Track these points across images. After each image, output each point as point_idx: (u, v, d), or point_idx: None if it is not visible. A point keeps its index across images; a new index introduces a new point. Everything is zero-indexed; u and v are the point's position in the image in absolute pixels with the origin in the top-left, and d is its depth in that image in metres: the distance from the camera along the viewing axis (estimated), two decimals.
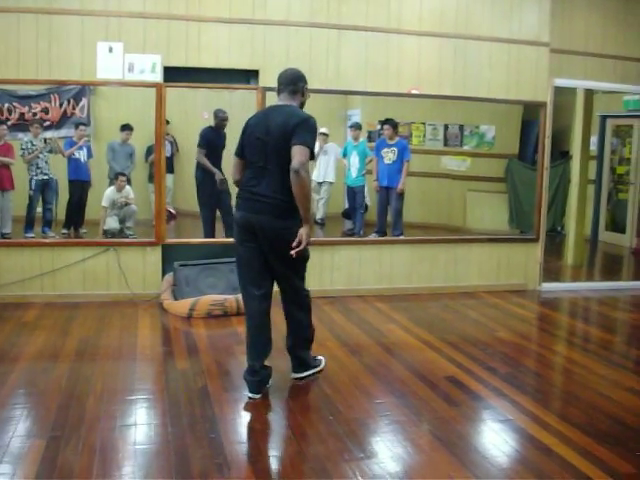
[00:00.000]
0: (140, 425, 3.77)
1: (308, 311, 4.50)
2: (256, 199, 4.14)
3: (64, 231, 7.91)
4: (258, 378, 4.25)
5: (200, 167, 7.48)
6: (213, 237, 7.44)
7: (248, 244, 4.25)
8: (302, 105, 4.36)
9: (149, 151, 8.21)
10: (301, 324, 4.48)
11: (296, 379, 4.54)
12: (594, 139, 10.19)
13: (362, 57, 7.04)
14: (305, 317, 4.48)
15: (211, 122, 7.49)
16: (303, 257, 4.28)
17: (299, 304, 4.44)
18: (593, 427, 3.89)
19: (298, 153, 3.97)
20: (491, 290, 7.50)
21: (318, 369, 4.66)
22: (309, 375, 4.57)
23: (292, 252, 4.03)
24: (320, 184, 9.26)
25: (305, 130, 4.06)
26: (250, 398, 4.21)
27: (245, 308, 4.39)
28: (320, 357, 4.75)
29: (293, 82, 4.31)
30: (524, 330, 6.20)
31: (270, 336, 4.36)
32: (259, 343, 4.30)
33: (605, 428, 3.89)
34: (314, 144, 4.16)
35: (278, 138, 4.07)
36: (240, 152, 4.31)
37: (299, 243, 4.05)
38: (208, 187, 7.48)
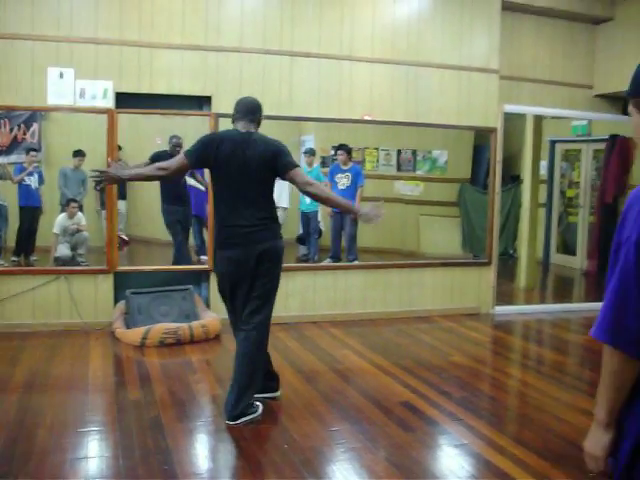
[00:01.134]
0: (91, 458, 3.69)
1: (266, 345, 4.42)
2: (242, 233, 4.21)
3: (14, 258, 7.76)
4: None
5: (163, 197, 7.53)
6: (189, 263, 7.52)
7: (233, 282, 4.32)
8: None
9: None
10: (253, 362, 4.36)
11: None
12: (544, 163, 10.38)
13: (315, 83, 7.08)
14: (259, 353, 4.38)
15: (165, 147, 7.46)
16: (277, 281, 4.35)
17: (260, 334, 4.34)
18: (548, 450, 3.92)
19: (298, 175, 4.23)
20: (445, 314, 7.54)
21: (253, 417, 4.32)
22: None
23: (377, 220, 4.19)
24: None
25: (288, 155, 4.26)
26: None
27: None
28: (258, 403, 4.42)
29: (252, 111, 4.36)
30: (478, 354, 6.24)
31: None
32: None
33: (560, 451, 3.92)
34: None
35: (258, 167, 4.19)
36: (195, 160, 4.25)
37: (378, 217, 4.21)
38: (172, 213, 7.54)
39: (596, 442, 1.78)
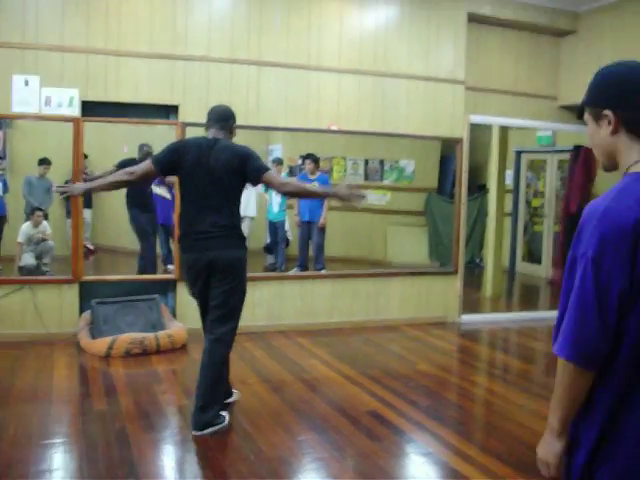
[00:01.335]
0: (55, 471, 3.65)
1: (228, 355, 4.40)
2: (205, 237, 4.18)
3: None
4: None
5: (133, 204, 7.49)
6: (155, 273, 7.51)
7: (200, 284, 4.30)
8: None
9: None
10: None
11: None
12: (510, 173, 10.50)
13: (282, 93, 7.09)
14: (223, 364, 4.37)
15: (131, 155, 7.42)
16: (243, 289, 4.33)
17: (224, 345, 4.32)
18: (513, 457, 3.95)
19: (271, 176, 4.26)
20: (412, 323, 7.57)
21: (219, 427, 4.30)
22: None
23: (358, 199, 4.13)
24: (241, 219, 9.22)
25: (257, 159, 4.27)
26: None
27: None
28: (224, 413, 4.40)
29: (224, 119, 4.38)
30: (445, 362, 6.28)
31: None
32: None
33: (525, 459, 3.95)
34: None
35: (224, 173, 4.16)
36: (161, 166, 4.26)
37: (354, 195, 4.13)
38: (144, 222, 7.51)
39: (549, 449, 1.82)
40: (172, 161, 4.25)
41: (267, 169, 4.25)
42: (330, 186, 8.12)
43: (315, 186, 4.63)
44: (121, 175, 4.34)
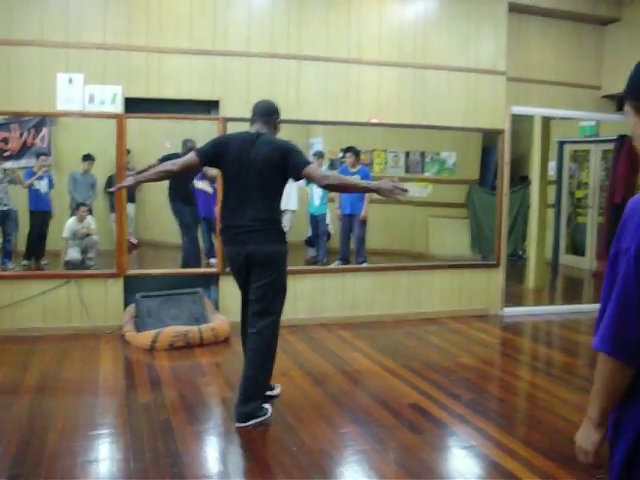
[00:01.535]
0: (102, 461, 3.72)
1: (273, 349, 4.41)
2: (244, 231, 4.20)
3: (25, 262, 7.82)
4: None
5: (176, 197, 7.55)
6: (199, 266, 7.54)
7: (243, 276, 4.34)
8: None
9: (110, 181, 8.20)
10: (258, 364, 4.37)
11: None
12: (552, 164, 10.36)
13: (322, 86, 7.10)
14: (265, 357, 4.37)
15: (174, 150, 7.50)
16: (282, 287, 4.35)
17: (264, 339, 4.35)
18: (556, 452, 3.92)
19: (312, 170, 4.22)
20: (454, 316, 7.54)
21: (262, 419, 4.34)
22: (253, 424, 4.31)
23: (399, 192, 4.08)
24: (282, 212, 9.27)
25: (298, 154, 4.26)
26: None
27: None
28: (267, 405, 4.45)
29: (268, 113, 4.43)
30: (487, 355, 6.24)
31: None
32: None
33: (568, 453, 3.88)
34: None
35: (264, 168, 4.18)
36: (205, 158, 4.33)
37: (398, 188, 4.09)
38: (187, 215, 7.57)
39: (587, 437, 1.85)
40: (215, 153, 4.31)
41: (307, 163, 4.23)
42: (371, 179, 8.14)
43: (357, 179, 4.57)
44: (166, 166, 4.42)
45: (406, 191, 4.12)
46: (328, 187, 4.33)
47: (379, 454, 3.88)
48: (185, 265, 7.68)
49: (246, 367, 4.30)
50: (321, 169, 4.25)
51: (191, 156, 4.34)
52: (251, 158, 4.19)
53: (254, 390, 4.28)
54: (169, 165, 4.40)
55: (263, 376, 4.36)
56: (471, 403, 4.77)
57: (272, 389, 4.72)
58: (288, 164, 4.19)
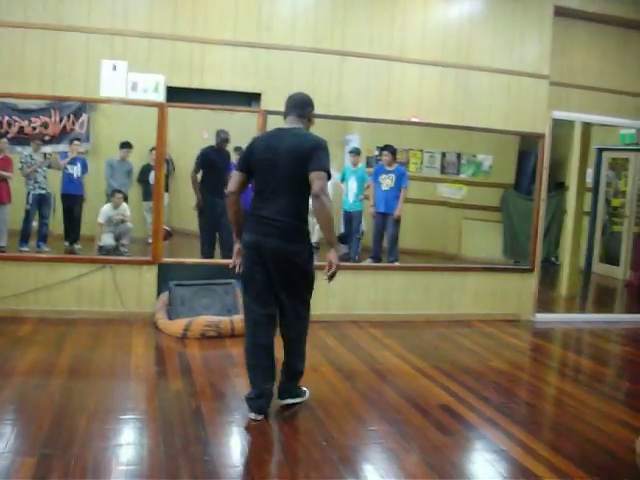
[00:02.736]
0: (132, 445, 3.76)
1: (304, 341, 4.48)
2: (265, 222, 4.12)
3: (66, 243, 7.97)
4: (262, 401, 4.26)
5: (209, 189, 7.56)
6: (211, 258, 7.47)
7: (255, 266, 4.21)
8: (307, 130, 4.35)
9: (143, 170, 8.28)
10: (295, 354, 4.46)
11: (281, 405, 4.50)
12: (590, 171, 10.27)
13: (364, 83, 7.09)
14: (300, 347, 4.47)
15: (210, 142, 7.54)
16: (309, 283, 4.34)
17: (297, 333, 4.41)
18: (585, 459, 3.89)
19: (317, 178, 3.99)
20: (485, 319, 7.51)
21: (301, 400, 4.56)
22: (293, 404, 4.51)
23: (327, 278, 4.08)
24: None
25: (321, 154, 4.06)
26: (253, 420, 4.21)
27: (246, 328, 4.37)
28: (305, 388, 4.63)
29: (301, 106, 4.32)
30: (518, 360, 6.21)
31: (273, 359, 4.34)
32: (264, 366, 4.29)
33: (597, 461, 3.89)
34: (329, 166, 4.12)
35: (290, 162, 4.07)
36: (242, 167, 4.28)
37: (330, 268, 4.07)
38: (208, 211, 7.57)
39: None
40: (248, 157, 4.26)
41: (321, 169, 4.02)
42: (407, 179, 8.12)
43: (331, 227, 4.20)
44: (230, 203, 4.30)
45: (331, 279, 4.11)
46: (313, 205, 4.04)
47: (408, 453, 3.87)
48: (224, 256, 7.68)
49: (286, 354, 4.44)
50: (326, 187, 4.00)
51: (235, 175, 4.26)
52: (278, 152, 4.10)
53: (294, 372, 4.46)
54: (231, 201, 4.28)
55: (301, 361, 4.50)
56: (501, 407, 4.75)
57: (304, 393, 4.67)
58: (310, 158, 4.03)
